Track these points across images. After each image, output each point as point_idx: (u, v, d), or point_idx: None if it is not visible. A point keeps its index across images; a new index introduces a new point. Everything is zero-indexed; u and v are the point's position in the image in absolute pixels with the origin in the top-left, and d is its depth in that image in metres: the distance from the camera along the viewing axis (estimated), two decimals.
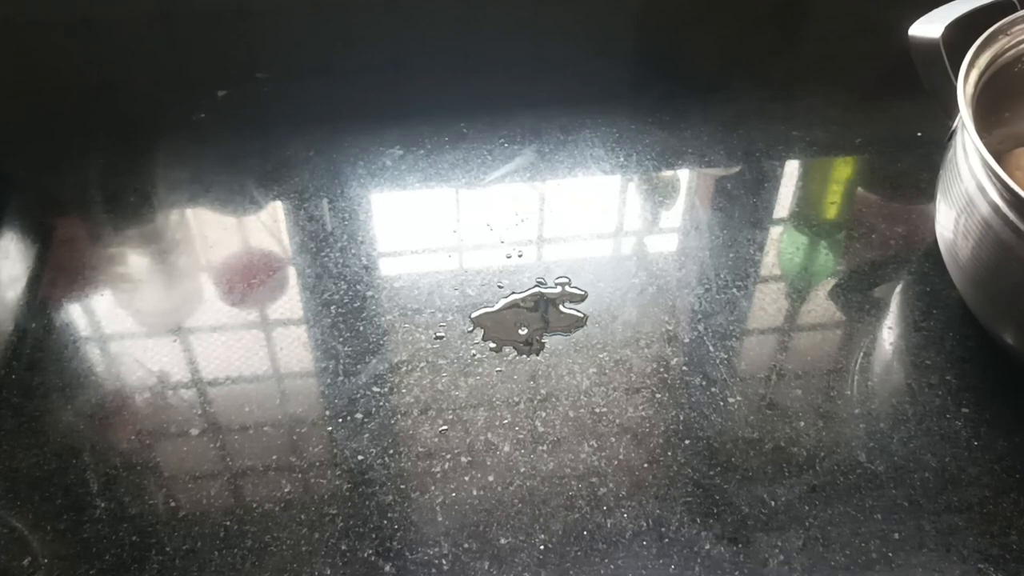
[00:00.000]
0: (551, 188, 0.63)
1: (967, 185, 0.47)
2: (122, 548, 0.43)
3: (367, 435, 0.48)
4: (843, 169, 0.66)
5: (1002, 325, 0.49)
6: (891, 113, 0.67)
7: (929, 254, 0.57)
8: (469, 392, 0.50)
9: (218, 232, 0.60)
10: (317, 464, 0.46)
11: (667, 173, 0.64)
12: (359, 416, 0.49)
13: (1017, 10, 0.52)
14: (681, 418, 0.48)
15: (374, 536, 0.44)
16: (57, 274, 0.57)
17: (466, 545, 0.43)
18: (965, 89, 0.48)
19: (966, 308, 0.53)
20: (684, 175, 0.64)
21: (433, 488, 0.46)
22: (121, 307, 0.55)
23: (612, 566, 0.42)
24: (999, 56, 0.52)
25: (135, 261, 0.58)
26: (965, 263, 0.49)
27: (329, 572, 0.42)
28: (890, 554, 0.43)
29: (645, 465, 0.47)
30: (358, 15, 0.75)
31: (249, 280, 0.56)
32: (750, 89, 0.70)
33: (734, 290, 0.56)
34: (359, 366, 0.51)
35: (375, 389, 0.50)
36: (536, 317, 0.54)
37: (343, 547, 0.43)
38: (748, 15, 0.77)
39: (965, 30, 0.52)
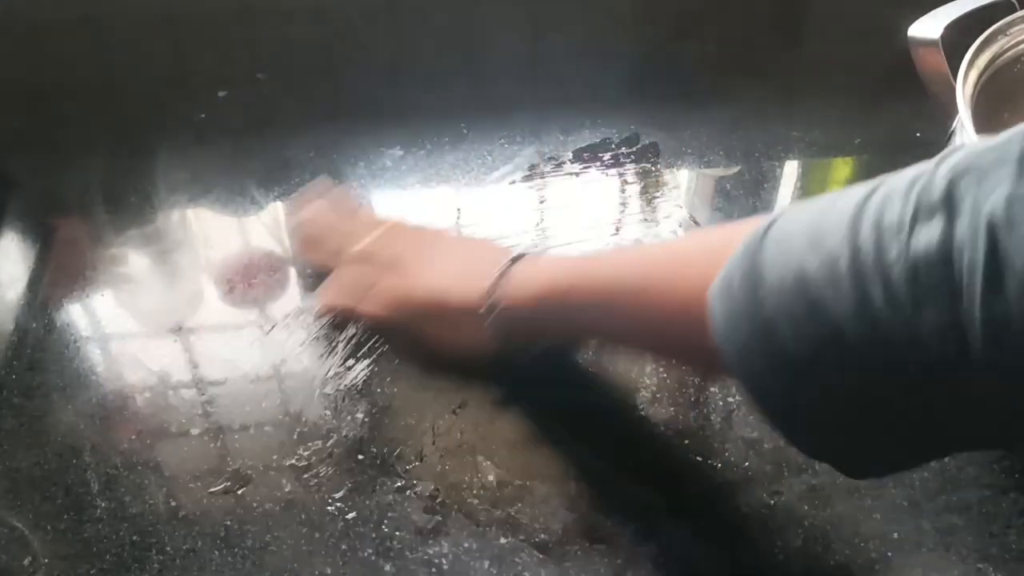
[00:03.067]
0: (551, 188, 0.63)
1: None
2: (122, 548, 0.43)
3: (367, 435, 0.48)
4: (843, 169, 0.66)
5: None
6: (891, 113, 0.67)
7: None
8: None
9: (218, 232, 0.60)
10: (317, 464, 0.46)
11: (667, 173, 0.64)
12: (360, 416, 0.49)
13: (1017, 10, 0.52)
14: (681, 418, 0.48)
15: (374, 536, 0.44)
16: (58, 274, 0.57)
17: (466, 545, 0.43)
18: (965, 89, 0.48)
19: None
20: (684, 175, 0.64)
21: (433, 488, 0.46)
22: (122, 307, 0.55)
23: (612, 566, 0.42)
24: (999, 56, 0.52)
25: (136, 261, 0.58)
26: None
27: (329, 572, 0.42)
28: (890, 554, 0.43)
29: None
30: (358, 15, 0.75)
31: (249, 280, 0.57)
32: (750, 89, 0.70)
33: None
34: (359, 366, 0.51)
35: (376, 389, 0.50)
36: None
37: (343, 547, 0.43)
38: (748, 16, 0.77)
39: (965, 30, 0.52)
